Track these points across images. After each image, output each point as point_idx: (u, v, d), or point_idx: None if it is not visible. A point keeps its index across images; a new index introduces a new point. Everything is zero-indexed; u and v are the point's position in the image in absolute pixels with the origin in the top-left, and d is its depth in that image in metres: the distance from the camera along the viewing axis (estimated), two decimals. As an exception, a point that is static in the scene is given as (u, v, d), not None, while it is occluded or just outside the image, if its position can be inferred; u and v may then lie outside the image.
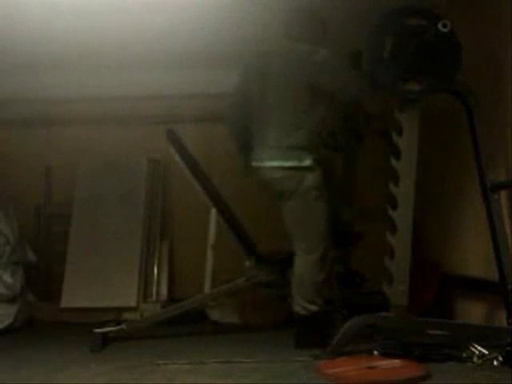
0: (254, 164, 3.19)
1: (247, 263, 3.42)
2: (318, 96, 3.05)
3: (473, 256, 3.40)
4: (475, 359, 2.58)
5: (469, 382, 2.33)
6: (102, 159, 4.79)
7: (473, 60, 3.13)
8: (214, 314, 3.97)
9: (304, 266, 3.12)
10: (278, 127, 3.10)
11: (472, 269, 3.38)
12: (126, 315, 4.06)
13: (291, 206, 3.10)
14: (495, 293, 2.94)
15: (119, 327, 3.31)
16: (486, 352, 2.61)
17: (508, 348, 2.59)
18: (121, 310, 4.12)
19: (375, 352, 2.69)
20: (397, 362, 2.53)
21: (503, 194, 2.95)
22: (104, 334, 3.20)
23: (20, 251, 4.03)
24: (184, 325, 3.69)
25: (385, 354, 2.64)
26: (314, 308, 3.07)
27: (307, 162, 3.05)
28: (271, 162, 3.11)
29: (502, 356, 2.55)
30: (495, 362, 2.55)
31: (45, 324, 4.03)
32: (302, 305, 3.09)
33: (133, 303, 4.18)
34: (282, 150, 3.07)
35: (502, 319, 2.86)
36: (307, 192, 3.06)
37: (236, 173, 4.37)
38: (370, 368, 2.47)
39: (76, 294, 4.21)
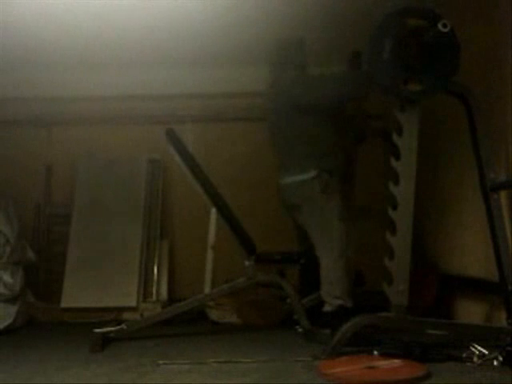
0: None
1: (247, 263, 3.43)
2: (305, 112, 3.32)
3: (473, 256, 3.39)
4: (475, 359, 2.58)
5: (469, 382, 2.33)
6: (102, 159, 4.79)
7: (473, 60, 3.13)
8: (214, 314, 3.97)
9: (329, 265, 3.30)
10: (284, 150, 3.47)
11: (472, 269, 3.38)
12: (126, 315, 4.06)
13: (306, 213, 3.39)
14: (495, 293, 2.94)
15: (119, 327, 3.31)
16: (486, 352, 2.61)
17: (508, 348, 2.58)
18: (121, 309, 4.13)
19: (375, 352, 2.70)
20: (397, 362, 2.53)
21: (503, 194, 2.95)
22: (104, 333, 3.20)
23: (20, 251, 4.03)
24: (184, 325, 3.69)
25: (385, 354, 2.64)
26: (339, 302, 3.24)
27: (312, 174, 3.33)
28: (282, 180, 3.47)
29: (502, 356, 2.55)
30: (495, 362, 2.54)
31: (45, 324, 4.03)
32: (329, 302, 3.27)
33: (133, 303, 4.18)
34: (288, 167, 3.43)
35: (502, 319, 2.86)
36: (316, 197, 3.33)
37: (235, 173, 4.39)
38: (370, 368, 2.46)
39: (76, 294, 4.21)
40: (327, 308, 3.28)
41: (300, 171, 3.37)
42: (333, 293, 3.28)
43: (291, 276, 3.84)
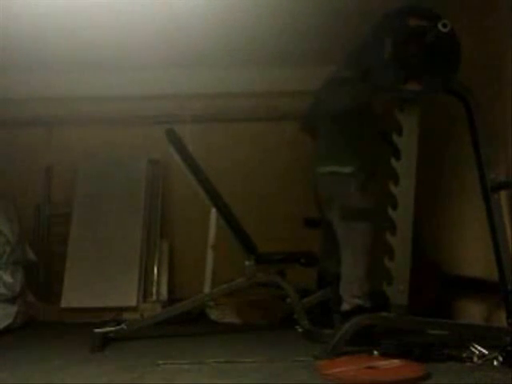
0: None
1: (247, 263, 3.42)
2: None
3: (473, 256, 3.40)
4: (475, 359, 2.58)
5: (469, 382, 2.33)
6: (102, 159, 4.79)
7: (473, 60, 3.13)
8: (214, 314, 3.97)
9: (351, 263, 3.25)
10: (326, 141, 3.44)
11: (472, 269, 3.38)
12: (126, 315, 4.06)
13: (336, 209, 3.29)
14: (495, 293, 2.94)
15: (119, 327, 3.31)
16: (486, 352, 2.61)
17: (508, 348, 2.59)
18: (121, 309, 4.13)
19: (375, 352, 2.69)
20: (397, 362, 2.53)
21: (503, 194, 2.95)
22: (104, 333, 3.20)
23: (20, 251, 4.03)
24: (184, 325, 3.69)
25: (385, 354, 2.64)
26: (357, 302, 3.17)
27: (349, 169, 3.26)
28: (318, 169, 3.41)
29: (502, 356, 2.55)
30: (495, 362, 2.55)
31: (45, 324, 4.03)
32: (347, 300, 3.21)
33: (133, 303, 4.18)
34: (327, 158, 3.37)
35: (502, 319, 2.86)
36: (349, 194, 3.25)
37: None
38: (370, 368, 2.46)
39: (76, 294, 4.20)
40: (345, 307, 3.24)
41: (337, 163, 3.32)
42: (352, 292, 3.23)
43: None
